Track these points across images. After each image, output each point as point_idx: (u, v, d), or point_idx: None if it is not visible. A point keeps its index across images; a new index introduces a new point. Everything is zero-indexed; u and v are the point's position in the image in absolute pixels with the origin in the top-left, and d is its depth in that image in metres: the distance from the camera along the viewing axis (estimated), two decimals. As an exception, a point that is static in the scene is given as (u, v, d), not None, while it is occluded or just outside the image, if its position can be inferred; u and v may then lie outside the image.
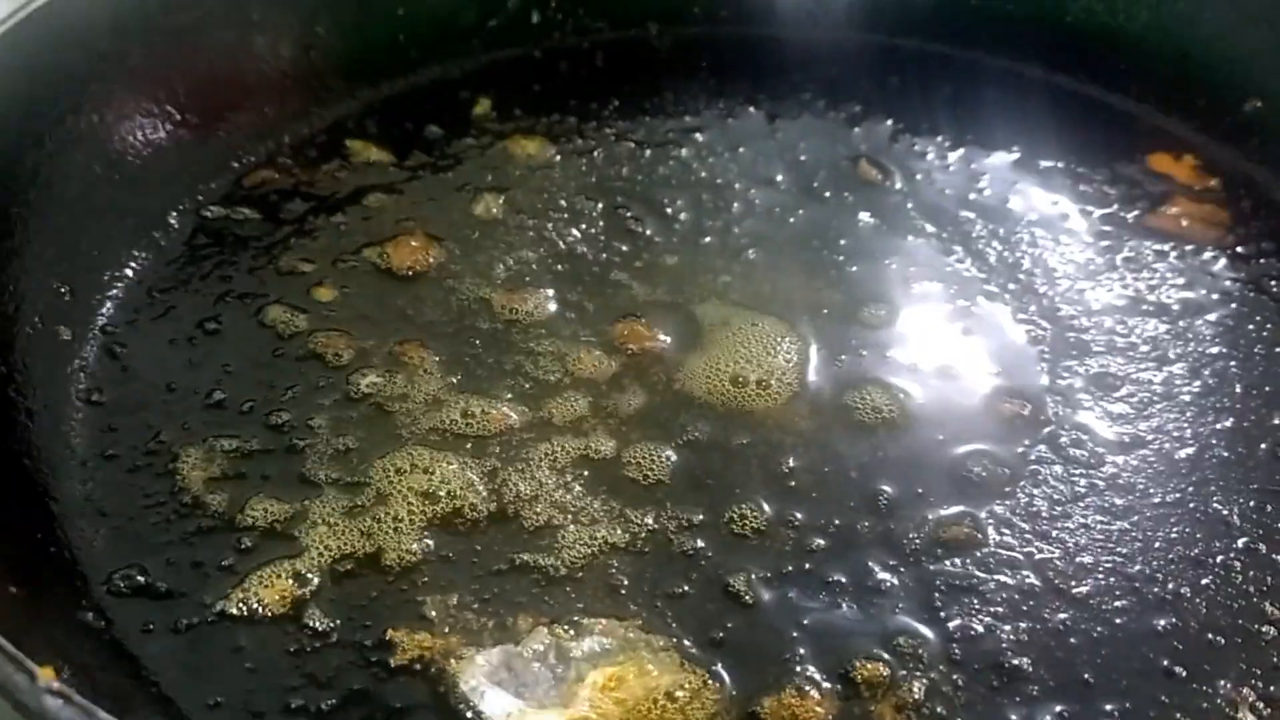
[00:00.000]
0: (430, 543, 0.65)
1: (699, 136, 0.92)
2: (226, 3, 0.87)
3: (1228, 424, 0.71)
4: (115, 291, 0.78)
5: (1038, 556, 0.64)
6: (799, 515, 0.66)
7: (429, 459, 0.69)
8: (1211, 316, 0.77)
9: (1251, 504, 0.67)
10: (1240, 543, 0.65)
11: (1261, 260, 0.81)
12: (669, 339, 0.76)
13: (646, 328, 0.77)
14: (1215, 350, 0.75)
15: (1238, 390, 0.73)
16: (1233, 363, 0.74)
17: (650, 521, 0.66)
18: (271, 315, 0.77)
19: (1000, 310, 0.78)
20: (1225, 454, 0.70)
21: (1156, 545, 0.65)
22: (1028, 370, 0.74)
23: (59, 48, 0.77)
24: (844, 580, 0.63)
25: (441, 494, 0.67)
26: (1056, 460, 0.69)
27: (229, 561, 0.64)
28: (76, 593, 0.61)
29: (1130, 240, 0.83)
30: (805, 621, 0.62)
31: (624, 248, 0.83)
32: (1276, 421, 0.71)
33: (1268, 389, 0.73)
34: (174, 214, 0.83)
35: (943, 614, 0.62)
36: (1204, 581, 0.64)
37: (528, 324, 0.77)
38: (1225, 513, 0.67)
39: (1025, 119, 0.93)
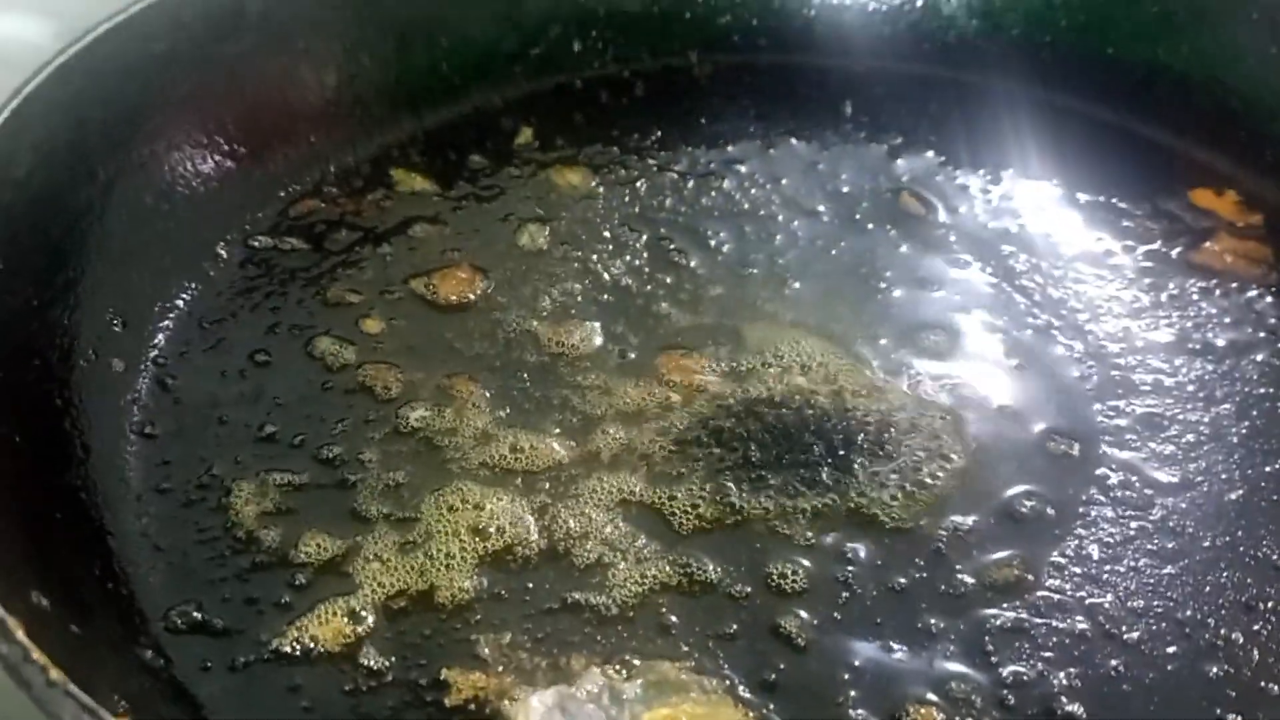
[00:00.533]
0: (483, 580, 0.65)
1: (740, 167, 0.92)
2: (273, 34, 0.88)
3: (1277, 466, 0.71)
4: (166, 323, 0.79)
5: (1089, 601, 0.65)
6: (848, 554, 0.66)
7: (479, 494, 0.69)
8: (1258, 356, 0.77)
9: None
10: (1291, 587, 0.65)
11: (1307, 297, 0.81)
12: (716, 370, 0.76)
13: (693, 359, 0.77)
14: (1263, 390, 0.75)
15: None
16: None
17: (699, 562, 0.66)
18: (320, 347, 0.78)
19: (1046, 346, 0.78)
20: (1275, 496, 0.70)
21: (1207, 590, 0.65)
22: (1076, 409, 0.74)
23: (110, 81, 0.78)
24: (895, 623, 0.63)
25: (492, 530, 0.68)
26: (1106, 502, 0.69)
27: (284, 598, 0.64)
28: (135, 630, 0.62)
29: (1174, 277, 0.83)
30: (857, 664, 0.62)
31: (668, 279, 0.83)
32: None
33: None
34: (222, 244, 0.84)
35: (994, 658, 0.62)
36: (1255, 627, 0.63)
37: (574, 357, 0.78)
38: (1276, 557, 0.67)
39: (1066, 152, 0.93)
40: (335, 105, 0.92)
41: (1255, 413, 0.74)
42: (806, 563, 0.66)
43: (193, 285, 0.81)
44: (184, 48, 0.83)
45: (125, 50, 0.80)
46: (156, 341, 0.78)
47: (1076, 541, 0.67)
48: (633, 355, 0.78)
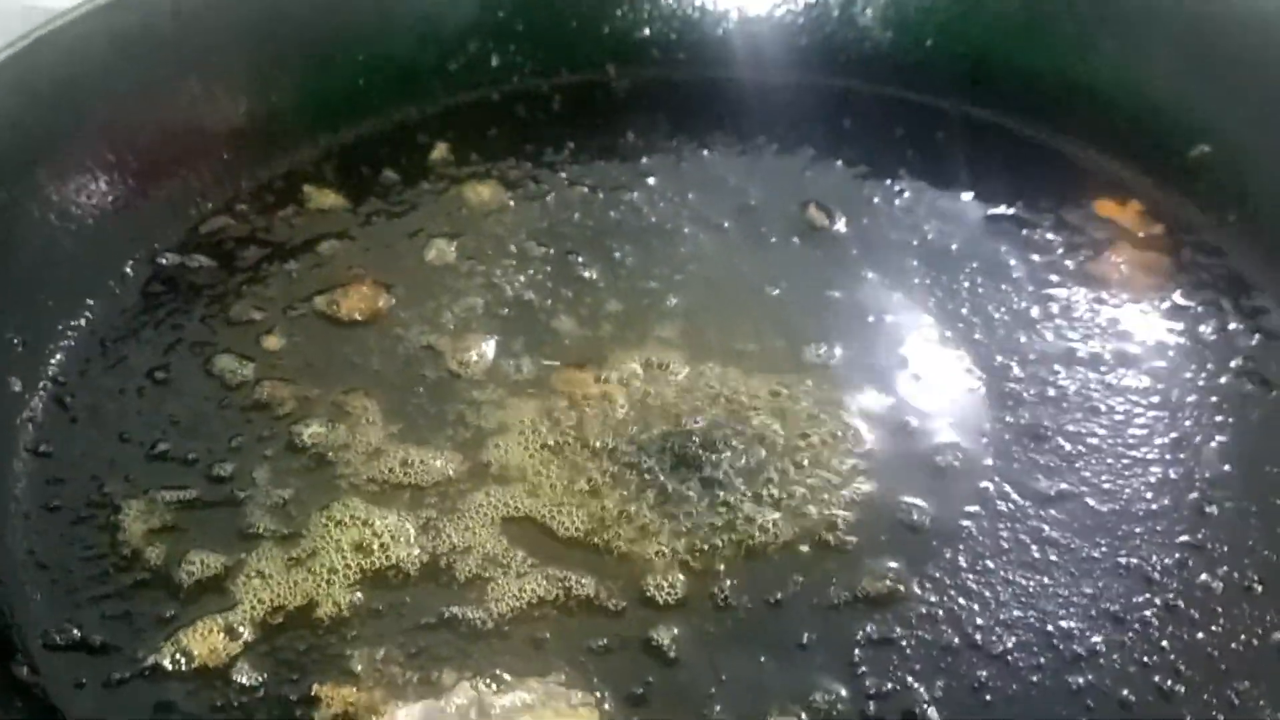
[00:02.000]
0: (360, 595, 0.66)
1: (651, 181, 0.93)
2: (185, 54, 0.89)
3: (1154, 477, 0.72)
4: (68, 341, 0.79)
5: (958, 612, 0.65)
6: (726, 569, 0.67)
7: (365, 510, 0.70)
8: (1144, 368, 0.78)
9: (1173, 559, 0.68)
10: (1160, 599, 0.66)
11: (1200, 308, 0.82)
12: (609, 384, 0.77)
13: (588, 374, 0.78)
14: (1146, 402, 0.76)
15: (1166, 443, 0.73)
16: (1164, 414, 0.75)
17: (578, 577, 0.67)
18: (220, 364, 0.79)
19: (936, 358, 0.79)
20: (1152, 507, 0.70)
21: (1077, 601, 0.66)
22: (965, 421, 0.75)
23: (14, 104, 0.79)
24: (767, 636, 0.64)
25: (375, 546, 0.69)
26: (985, 514, 0.70)
27: (164, 614, 0.65)
28: (11, 646, 0.63)
29: (1070, 288, 0.83)
30: (724, 677, 0.63)
31: (569, 294, 0.84)
32: (1205, 475, 0.72)
33: (1196, 440, 0.73)
34: (130, 263, 0.85)
35: (861, 669, 0.63)
36: (1121, 638, 0.64)
37: (471, 372, 0.78)
38: (1148, 568, 0.67)
39: (976, 164, 0.94)
40: (249, 122, 0.93)
41: (1139, 422, 0.75)
42: (683, 577, 0.67)
43: (97, 303, 0.82)
44: (92, 70, 0.84)
45: (31, 74, 0.81)
46: (56, 360, 0.78)
47: (951, 553, 0.68)
48: (528, 371, 0.78)
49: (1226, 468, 0.72)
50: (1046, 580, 0.67)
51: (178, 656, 0.63)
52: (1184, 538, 0.69)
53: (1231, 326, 0.80)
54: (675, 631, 0.65)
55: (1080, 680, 0.63)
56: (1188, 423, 0.75)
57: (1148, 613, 0.65)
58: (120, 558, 0.68)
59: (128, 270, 0.84)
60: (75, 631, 0.64)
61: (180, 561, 0.67)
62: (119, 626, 0.65)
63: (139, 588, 0.67)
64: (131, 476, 0.72)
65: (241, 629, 0.64)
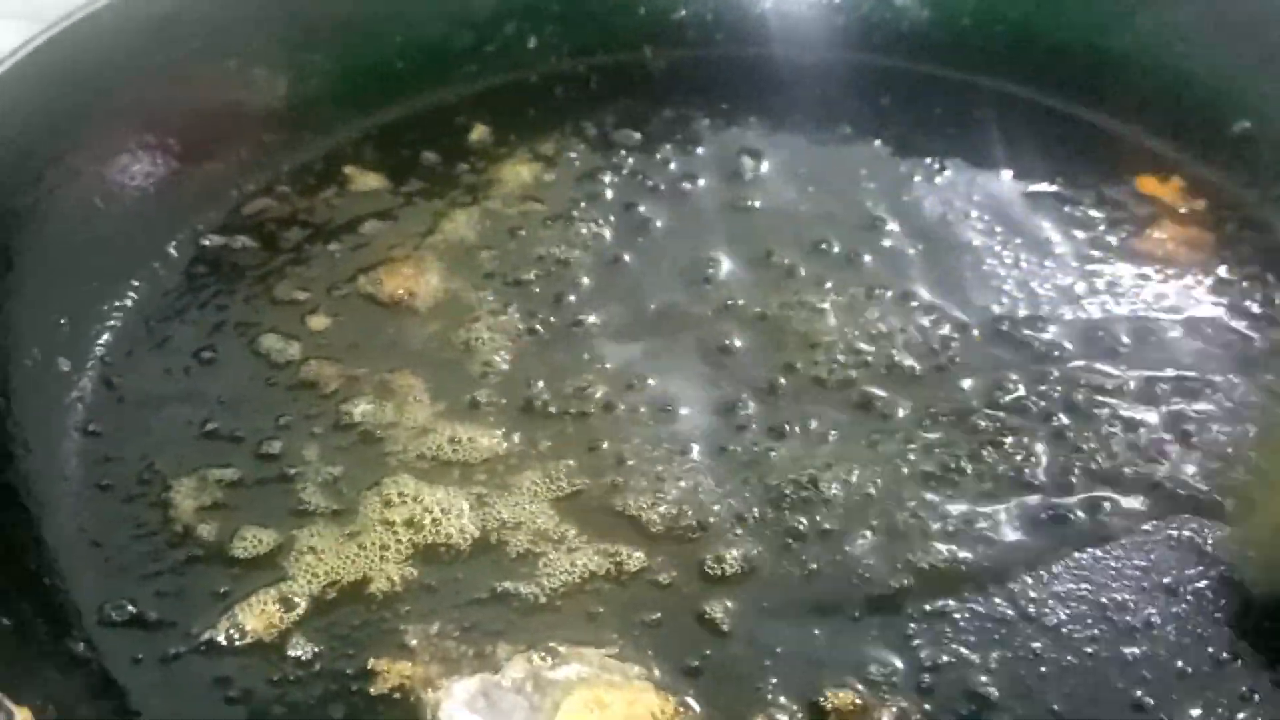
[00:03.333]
0: (414, 571, 0.66)
1: (689, 158, 0.93)
2: (221, 36, 0.89)
3: (1201, 451, 0.71)
4: (114, 322, 0.80)
5: (1010, 585, 0.65)
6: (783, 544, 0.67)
7: (415, 487, 0.70)
8: (1190, 343, 0.77)
9: (1224, 531, 0.67)
10: (1214, 571, 0.66)
11: (1245, 282, 0.81)
12: (657, 369, 0.77)
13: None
14: (1192, 376, 0.75)
15: (1214, 416, 0.73)
16: (1210, 388, 0.75)
17: (630, 550, 0.67)
18: (266, 344, 0.79)
19: (976, 334, 0.78)
20: (1201, 484, 0.70)
21: (1130, 573, 0.66)
22: (1007, 396, 0.75)
23: (55, 87, 0.79)
24: (820, 610, 0.64)
25: (426, 522, 0.69)
26: (1036, 486, 0.70)
27: (218, 590, 0.65)
28: (68, 624, 0.63)
29: (1114, 264, 0.83)
30: (779, 650, 0.62)
31: (611, 274, 0.84)
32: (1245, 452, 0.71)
33: (1244, 414, 0.73)
34: (173, 244, 0.85)
35: (915, 642, 0.63)
36: (1175, 609, 0.64)
37: (515, 352, 0.78)
38: (1199, 540, 0.67)
39: (1016, 141, 0.94)
40: (286, 104, 0.93)
41: (1183, 399, 0.74)
42: (736, 552, 0.67)
43: (142, 284, 0.82)
44: (127, 53, 0.85)
45: (68, 57, 0.81)
46: (103, 340, 0.79)
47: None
48: (574, 351, 0.78)
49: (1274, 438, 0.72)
50: (1098, 552, 0.67)
51: (232, 631, 0.63)
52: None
53: (1278, 300, 0.79)
54: (729, 605, 0.64)
55: (1135, 651, 0.62)
56: (1234, 396, 0.74)
57: (1200, 584, 0.65)
58: (172, 534, 0.68)
59: (171, 251, 0.85)
60: (130, 608, 0.65)
61: (232, 538, 0.68)
62: (173, 602, 0.65)
63: (191, 564, 0.67)
64: (181, 455, 0.72)
65: (296, 603, 0.65)
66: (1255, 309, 0.79)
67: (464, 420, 0.74)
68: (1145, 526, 0.68)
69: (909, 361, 0.77)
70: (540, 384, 0.76)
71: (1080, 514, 0.68)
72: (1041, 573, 0.66)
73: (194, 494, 0.70)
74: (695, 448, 0.72)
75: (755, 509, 0.69)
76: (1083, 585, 0.65)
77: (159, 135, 0.86)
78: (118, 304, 0.81)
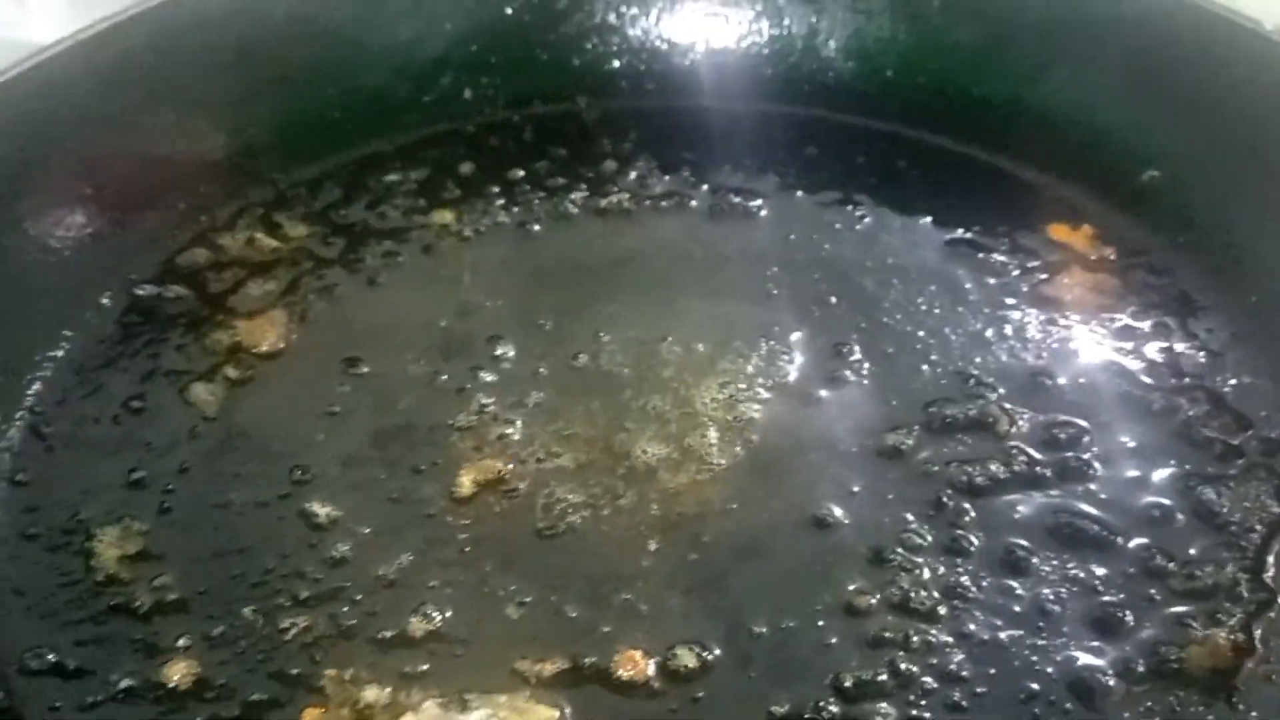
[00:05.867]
0: (328, 611, 0.68)
1: (619, 207, 0.95)
2: (161, 88, 0.91)
3: (1104, 495, 0.73)
4: (45, 371, 0.81)
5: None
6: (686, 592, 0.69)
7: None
8: (1094, 388, 0.80)
9: (1120, 570, 0.69)
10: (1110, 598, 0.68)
11: (1149, 328, 0.84)
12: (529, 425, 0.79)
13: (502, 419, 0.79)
14: (1094, 422, 0.78)
15: (1115, 460, 0.75)
16: (1113, 433, 0.77)
17: (542, 589, 0.69)
18: (195, 393, 0.81)
19: (881, 385, 0.81)
20: (1101, 519, 0.72)
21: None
22: (908, 438, 0.77)
23: (-5, 139, 0.81)
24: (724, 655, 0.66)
25: (335, 555, 0.70)
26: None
27: (137, 638, 0.67)
28: (-13, 673, 0.64)
29: (1024, 310, 0.85)
30: (698, 695, 0.64)
31: (541, 321, 0.86)
32: (1153, 490, 0.73)
33: (1145, 457, 0.75)
34: (107, 294, 0.87)
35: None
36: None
37: (446, 403, 0.80)
38: (1095, 580, 0.69)
39: (935, 189, 0.97)
40: (224, 155, 0.95)
41: (1085, 441, 0.76)
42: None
43: (75, 334, 0.84)
44: (68, 105, 0.86)
45: (9, 110, 0.83)
46: (34, 390, 0.80)
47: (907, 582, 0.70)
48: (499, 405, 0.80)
49: (1174, 483, 0.74)
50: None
51: (151, 679, 0.65)
52: (1139, 540, 0.71)
53: (1179, 347, 0.82)
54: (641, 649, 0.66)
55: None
56: (1137, 441, 0.76)
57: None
58: (94, 583, 0.70)
59: (105, 301, 0.86)
60: (50, 656, 0.66)
61: (152, 586, 0.69)
62: (93, 651, 0.66)
63: (113, 613, 0.68)
64: (107, 504, 0.74)
65: (213, 650, 0.66)
66: (1157, 357, 0.82)
67: (386, 464, 0.76)
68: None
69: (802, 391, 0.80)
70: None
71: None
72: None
73: (117, 543, 0.72)
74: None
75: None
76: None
77: (97, 186, 0.88)
78: (50, 354, 0.82)
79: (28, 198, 0.84)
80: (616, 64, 1.06)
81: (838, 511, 0.73)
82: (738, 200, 0.97)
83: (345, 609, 0.68)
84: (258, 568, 0.70)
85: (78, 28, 0.88)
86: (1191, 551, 0.70)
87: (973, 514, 0.72)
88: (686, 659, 0.66)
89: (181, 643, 0.66)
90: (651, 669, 0.65)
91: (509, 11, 1.05)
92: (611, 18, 1.06)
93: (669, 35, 1.07)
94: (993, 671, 0.64)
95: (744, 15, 1.07)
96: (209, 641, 0.67)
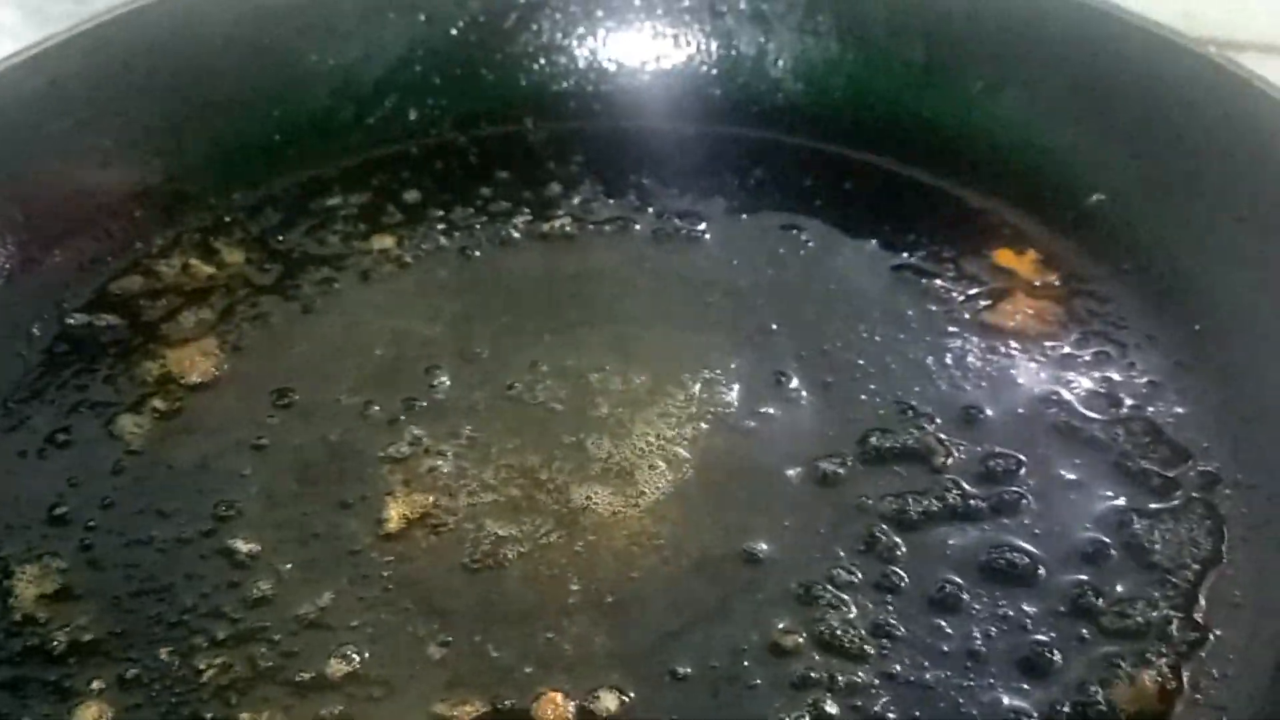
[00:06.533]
0: (245, 652, 0.66)
1: (564, 230, 0.94)
2: (96, 115, 0.90)
3: (1040, 529, 0.73)
4: (-30, 404, 0.80)
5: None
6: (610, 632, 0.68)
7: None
8: (1032, 418, 0.79)
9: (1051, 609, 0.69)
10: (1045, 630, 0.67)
11: (1089, 356, 0.83)
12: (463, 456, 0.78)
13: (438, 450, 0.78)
14: (1033, 453, 0.77)
15: (1052, 490, 0.75)
16: (1049, 464, 0.76)
17: (465, 628, 0.68)
18: (120, 424, 0.79)
19: (819, 416, 0.80)
20: (1036, 554, 0.71)
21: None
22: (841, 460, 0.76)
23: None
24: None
25: (255, 594, 0.69)
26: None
27: (50, 680, 0.66)
28: (-104, 720, 0.63)
29: (965, 338, 0.85)
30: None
31: (479, 349, 0.85)
32: (1091, 519, 0.73)
33: (1084, 486, 0.74)
34: (37, 324, 0.85)
35: None
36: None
37: (377, 436, 0.79)
38: (1024, 619, 0.68)
39: (881, 213, 0.96)
40: (161, 180, 0.94)
41: (1022, 473, 0.76)
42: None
43: (1, 366, 0.82)
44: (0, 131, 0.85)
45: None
46: (-42, 423, 0.79)
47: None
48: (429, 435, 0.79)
49: (1109, 517, 0.73)
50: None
51: (64, 724, 0.64)
52: (1071, 576, 0.70)
53: (1119, 376, 0.81)
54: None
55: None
56: (1073, 474, 0.75)
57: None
58: (10, 623, 0.68)
59: (35, 331, 0.85)
60: (-39, 700, 0.65)
61: (69, 627, 0.68)
62: (5, 695, 0.65)
63: (27, 654, 0.67)
64: (28, 540, 0.73)
65: (127, 693, 0.65)
66: (1098, 386, 0.81)
67: (318, 500, 0.75)
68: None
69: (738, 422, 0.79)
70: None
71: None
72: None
73: (37, 581, 0.70)
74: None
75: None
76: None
77: (29, 214, 0.87)
78: (-25, 387, 0.81)
79: (-44, 226, 0.83)
80: (564, 84, 1.06)
81: (769, 547, 0.72)
82: (682, 224, 0.95)
83: (264, 649, 0.67)
84: (177, 607, 0.69)
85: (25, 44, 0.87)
86: (1121, 589, 0.69)
87: (904, 549, 0.71)
88: (608, 701, 0.64)
89: (95, 685, 0.65)
90: (572, 712, 0.64)
91: (454, 31, 1.04)
92: (559, 38, 1.06)
93: (617, 56, 1.06)
94: (918, 714, 0.63)
95: (693, 36, 1.06)
96: (123, 684, 0.65)
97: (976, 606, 0.68)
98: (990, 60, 0.98)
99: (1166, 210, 0.88)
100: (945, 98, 0.99)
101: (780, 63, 1.04)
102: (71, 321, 0.86)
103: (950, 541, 0.72)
